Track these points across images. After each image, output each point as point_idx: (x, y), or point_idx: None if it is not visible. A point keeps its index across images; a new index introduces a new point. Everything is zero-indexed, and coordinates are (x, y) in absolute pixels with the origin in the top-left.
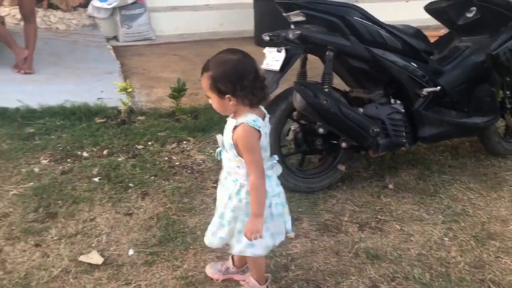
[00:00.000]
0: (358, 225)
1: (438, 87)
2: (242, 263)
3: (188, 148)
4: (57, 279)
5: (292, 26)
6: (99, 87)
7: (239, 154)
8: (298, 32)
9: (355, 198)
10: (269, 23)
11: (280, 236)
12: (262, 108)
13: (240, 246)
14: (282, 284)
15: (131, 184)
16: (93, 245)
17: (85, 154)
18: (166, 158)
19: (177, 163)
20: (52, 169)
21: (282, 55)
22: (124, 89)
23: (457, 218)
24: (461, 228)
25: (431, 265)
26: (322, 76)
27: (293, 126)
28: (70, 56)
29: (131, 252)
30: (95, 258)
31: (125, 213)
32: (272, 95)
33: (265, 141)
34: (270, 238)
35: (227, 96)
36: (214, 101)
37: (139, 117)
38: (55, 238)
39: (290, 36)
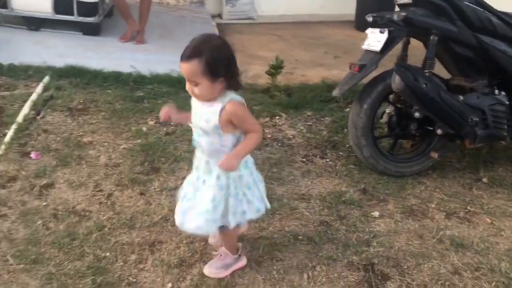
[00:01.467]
0: (445, 213)
1: None
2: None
3: (280, 123)
4: (157, 224)
5: (397, 9)
6: None
7: (226, 131)
8: (403, 14)
9: (445, 187)
10: (371, 8)
11: (265, 200)
12: None
13: (236, 218)
14: (362, 257)
15: None
16: None
17: None
18: None
19: (268, 136)
20: (157, 130)
21: (384, 36)
22: None
23: None
24: None
25: None
26: (424, 61)
27: (388, 109)
28: (177, 30)
29: None
30: None
31: None
32: (370, 76)
33: None
34: (258, 202)
35: (221, 79)
36: (204, 86)
37: None
38: (157, 189)
39: (395, 17)
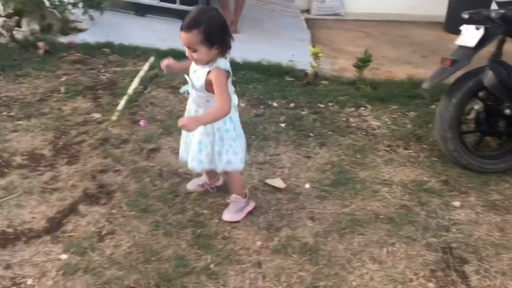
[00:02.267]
0: None
1: None
2: (213, 176)
3: (365, 114)
4: (248, 192)
5: (495, 7)
6: (291, 51)
7: (210, 90)
8: (501, 11)
9: None
10: (463, 10)
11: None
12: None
13: (222, 164)
14: (441, 240)
15: (311, 134)
16: (277, 173)
17: (274, 104)
18: (344, 119)
19: (353, 124)
20: (248, 111)
21: (480, 33)
22: (315, 54)
23: None
24: None
25: None
26: None
27: (477, 106)
28: (268, 23)
29: (307, 185)
30: (278, 183)
31: (304, 155)
32: (461, 72)
33: (230, 79)
34: (242, 152)
35: (216, 46)
36: (202, 52)
37: (323, 81)
38: (248, 162)
39: (492, 15)
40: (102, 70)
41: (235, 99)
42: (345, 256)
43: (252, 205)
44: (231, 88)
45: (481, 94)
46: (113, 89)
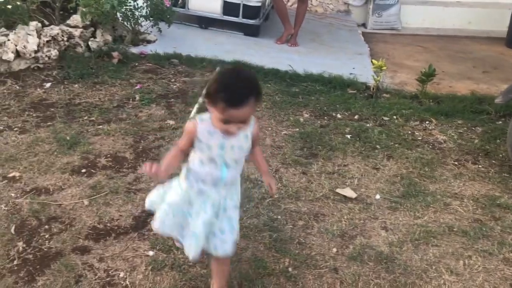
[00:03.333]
0: None
1: None
2: None
3: (430, 128)
4: (319, 200)
5: None
6: (351, 64)
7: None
8: None
9: None
10: None
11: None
12: None
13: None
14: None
15: (377, 146)
16: (347, 183)
17: (338, 115)
18: (409, 132)
19: (419, 138)
20: (312, 122)
21: None
22: (379, 67)
23: None
24: None
25: None
26: None
27: None
28: (326, 36)
29: (377, 196)
30: (349, 192)
31: (372, 167)
32: None
33: None
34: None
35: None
36: (250, 113)
37: (384, 95)
38: (317, 171)
39: None
40: (173, 80)
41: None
42: (421, 266)
43: None
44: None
45: None
46: (184, 98)
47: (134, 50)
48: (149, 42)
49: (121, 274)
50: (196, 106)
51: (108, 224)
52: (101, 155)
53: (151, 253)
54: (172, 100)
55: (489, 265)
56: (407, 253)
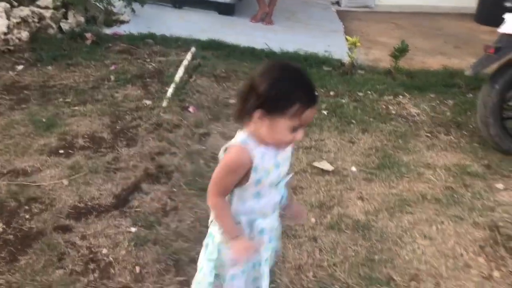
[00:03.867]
0: None
1: None
2: None
3: (403, 102)
4: (298, 174)
5: None
6: (326, 41)
7: None
8: None
9: None
10: (494, 1)
11: None
12: None
13: None
14: (487, 219)
15: (353, 121)
16: (324, 157)
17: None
18: (384, 106)
19: (393, 112)
20: None
21: None
22: (353, 44)
23: None
24: None
25: None
26: None
27: None
28: (300, 14)
29: (353, 168)
30: (326, 166)
31: (348, 140)
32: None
33: None
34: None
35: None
36: None
37: (359, 71)
38: (295, 147)
39: None
40: (148, 60)
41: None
42: (396, 233)
43: None
44: None
45: None
46: (160, 77)
47: (108, 31)
48: (122, 22)
49: (104, 251)
50: (173, 85)
51: (89, 203)
52: (78, 136)
53: (133, 229)
54: (148, 80)
55: (460, 229)
56: (382, 221)
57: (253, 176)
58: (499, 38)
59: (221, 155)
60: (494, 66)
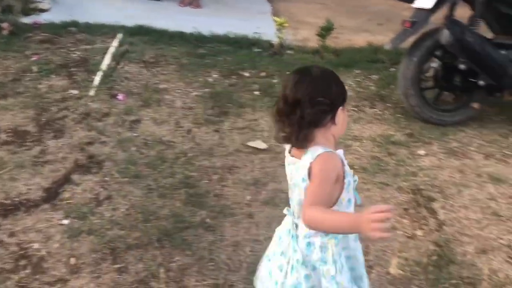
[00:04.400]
0: (483, 155)
1: None
2: None
3: None
4: (232, 154)
5: None
6: (255, 23)
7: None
8: None
9: (484, 135)
10: None
11: None
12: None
13: None
14: (410, 184)
15: None
16: (257, 136)
17: (246, 74)
18: None
19: None
20: (221, 81)
21: None
22: (281, 24)
23: None
24: None
25: None
26: (470, 19)
27: (435, 64)
28: None
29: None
30: (260, 144)
31: None
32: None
33: None
34: None
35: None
36: None
37: (288, 51)
38: (229, 128)
39: None
40: (72, 49)
41: None
42: None
43: None
44: None
45: (438, 52)
46: (86, 66)
47: (26, 20)
48: (42, 11)
49: (36, 246)
50: (100, 73)
51: (16, 199)
52: (0, 130)
53: (65, 221)
54: (73, 69)
55: (385, 194)
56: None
57: (346, 182)
58: (414, 13)
59: (301, 178)
60: (411, 40)
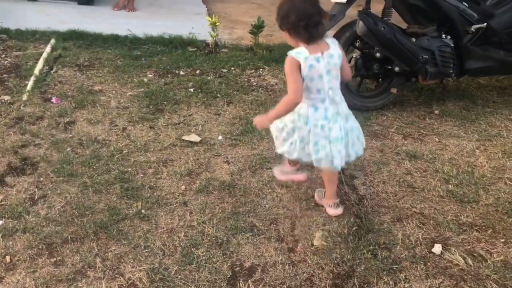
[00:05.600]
0: (402, 135)
1: (485, 24)
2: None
3: (263, 74)
4: (167, 148)
5: None
6: (190, 24)
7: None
8: None
9: (403, 117)
10: None
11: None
12: (327, 43)
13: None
14: None
15: (218, 95)
16: (192, 130)
17: (181, 72)
18: (246, 79)
19: (254, 84)
20: (157, 81)
21: None
22: (213, 23)
23: (491, 138)
24: (492, 145)
25: (459, 165)
26: (383, 10)
27: (355, 54)
28: None
29: (220, 137)
30: (194, 137)
31: (214, 113)
32: (340, 26)
33: (315, 73)
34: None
35: (285, 32)
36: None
37: (223, 50)
38: (164, 124)
39: None
40: (3, 56)
41: (336, 108)
42: (257, 187)
43: (301, 176)
44: (319, 87)
45: (357, 43)
46: (18, 72)
47: None
48: None
49: None
50: (33, 78)
51: None
52: None
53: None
54: (4, 76)
55: (311, 175)
56: (246, 178)
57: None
58: (332, 7)
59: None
60: (332, 32)
